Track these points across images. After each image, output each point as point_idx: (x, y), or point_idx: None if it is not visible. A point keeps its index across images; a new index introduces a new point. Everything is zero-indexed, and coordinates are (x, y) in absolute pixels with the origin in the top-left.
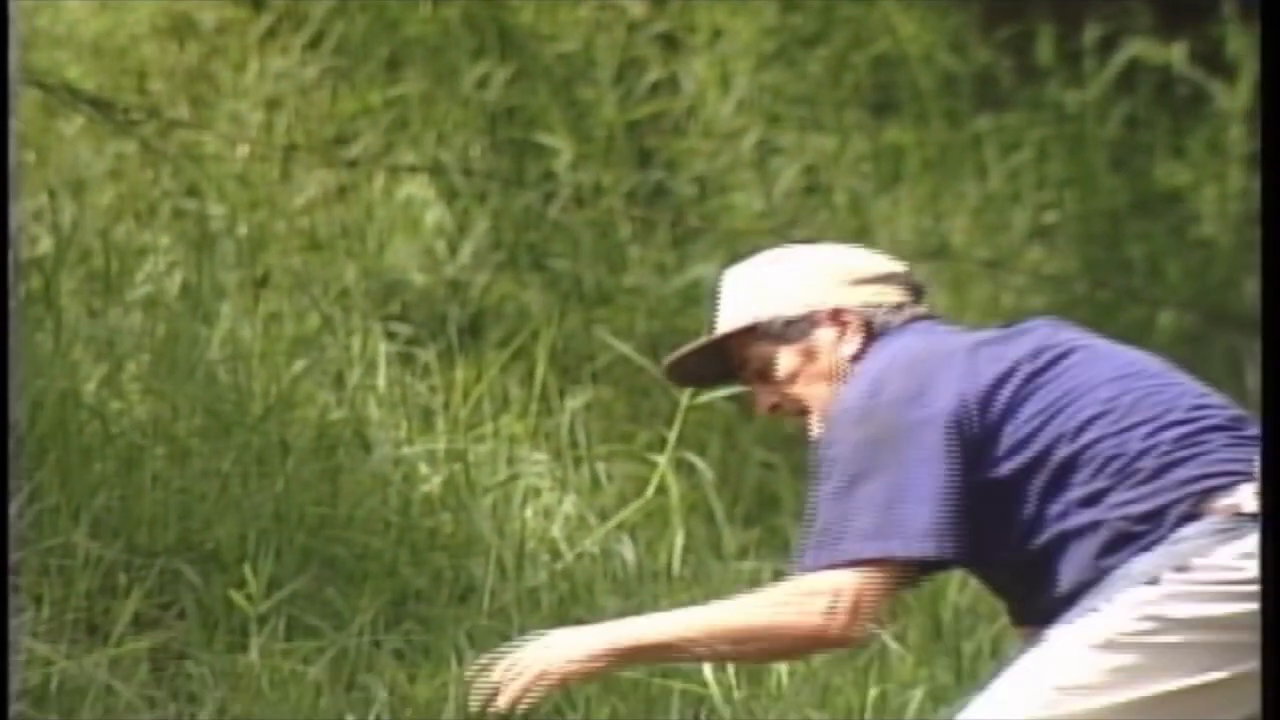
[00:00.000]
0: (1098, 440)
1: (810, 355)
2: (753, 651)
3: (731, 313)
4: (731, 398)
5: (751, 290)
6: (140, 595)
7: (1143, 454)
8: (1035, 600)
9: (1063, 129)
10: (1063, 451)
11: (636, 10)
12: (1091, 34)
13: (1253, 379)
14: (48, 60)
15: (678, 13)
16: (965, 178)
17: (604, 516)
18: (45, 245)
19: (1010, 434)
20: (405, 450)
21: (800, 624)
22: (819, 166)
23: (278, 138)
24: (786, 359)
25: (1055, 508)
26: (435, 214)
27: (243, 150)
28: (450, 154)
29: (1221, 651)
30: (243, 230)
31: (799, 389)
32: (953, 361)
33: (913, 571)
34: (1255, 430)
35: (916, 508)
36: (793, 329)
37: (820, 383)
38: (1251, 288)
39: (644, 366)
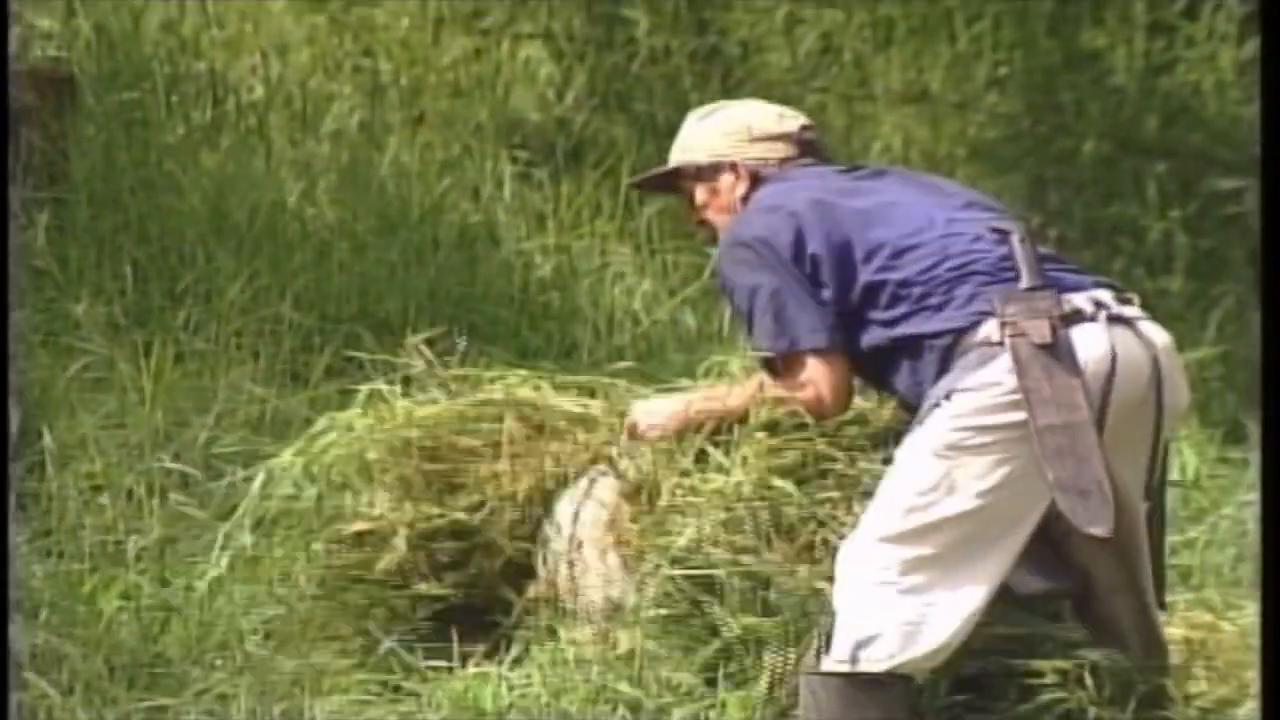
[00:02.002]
0: (893, 277)
1: (715, 193)
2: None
3: (674, 152)
4: None
5: (684, 138)
6: (330, 352)
7: (924, 290)
8: (905, 402)
9: (1012, 5)
10: (867, 281)
11: None
12: None
13: (1152, 191)
14: None
15: None
16: (940, 41)
17: (672, 293)
18: (259, 93)
19: (833, 267)
20: (524, 245)
21: (803, 399)
22: (831, 33)
23: (430, 12)
24: (700, 194)
25: (870, 330)
26: (546, 69)
27: (404, 21)
28: (558, 24)
29: (1009, 446)
30: (404, 82)
31: (709, 216)
32: (799, 204)
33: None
34: (1009, 270)
35: (798, 314)
36: (704, 172)
37: (722, 214)
38: (1151, 123)
39: None
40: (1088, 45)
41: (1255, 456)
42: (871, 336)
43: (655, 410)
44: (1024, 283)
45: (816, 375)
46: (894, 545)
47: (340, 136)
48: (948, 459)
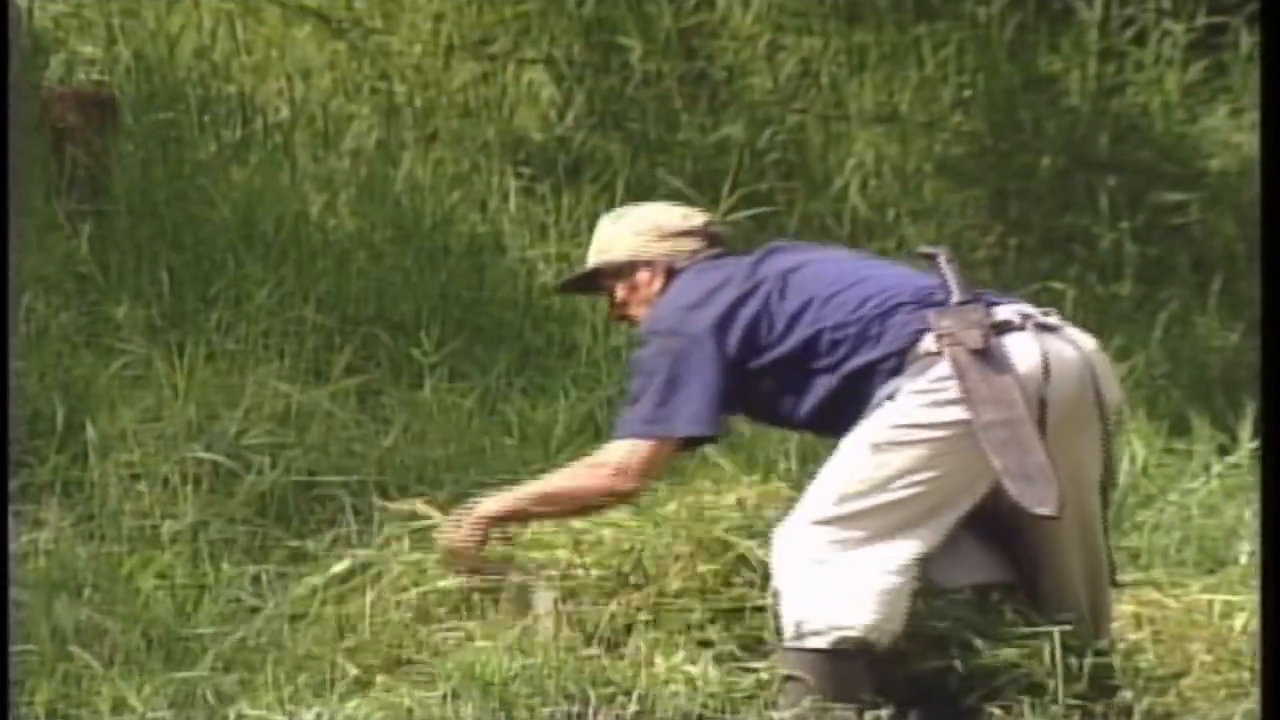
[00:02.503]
0: (826, 324)
1: (633, 289)
2: (569, 510)
3: (591, 254)
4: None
5: (600, 240)
6: (350, 350)
7: (860, 329)
8: (839, 430)
9: (975, 33)
10: (804, 335)
11: None
12: None
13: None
14: None
15: None
16: (909, 66)
17: None
18: (284, 113)
19: (765, 334)
20: (528, 253)
21: (594, 485)
22: (810, 59)
23: (442, 40)
24: (620, 291)
25: (820, 375)
26: (548, 92)
27: (418, 48)
28: (559, 51)
29: (943, 443)
30: (417, 103)
31: (630, 310)
32: (715, 289)
33: (684, 443)
34: (929, 293)
35: (685, 401)
36: (622, 270)
37: (642, 307)
38: (1103, 141)
39: (691, 196)
40: (1044, 69)
41: (1202, 449)
42: (822, 383)
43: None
44: (955, 298)
45: (638, 458)
46: (826, 527)
47: (359, 153)
48: (885, 451)
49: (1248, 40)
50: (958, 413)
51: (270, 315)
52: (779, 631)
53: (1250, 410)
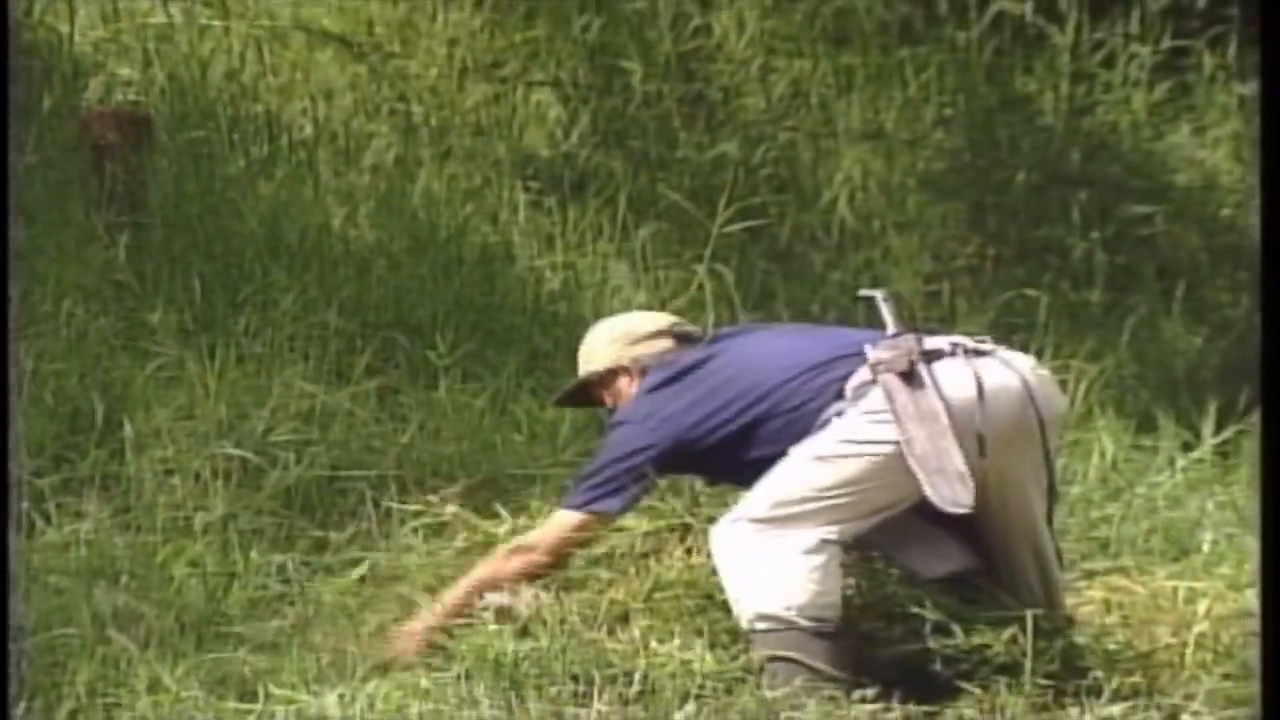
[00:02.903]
0: (773, 398)
1: (617, 394)
2: (492, 589)
3: (580, 369)
4: (747, 229)
5: (584, 353)
6: (369, 353)
7: (804, 386)
8: None
9: (955, 56)
10: (752, 409)
11: None
12: None
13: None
14: (309, 14)
15: None
16: (894, 87)
17: (663, 304)
18: (308, 131)
19: (716, 414)
20: (536, 262)
21: (507, 567)
22: (800, 80)
23: (456, 63)
24: (607, 397)
25: (764, 444)
26: (555, 112)
27: (434, 71)
28: (565, 73)
29: (875, 460)
30: (433, 122)
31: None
32: (670, 383)
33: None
34: (861, 347)
35: (624, 490)
36: (605, 379)
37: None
38: (1075, 157)
39: (689, 209)
40: (1020, 90)
41: (1167, 445)
42: (770, 448)
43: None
44: (889, 331)
45: (574, 535)
46: (757, 524)
47: (378, 169)
48: (829, 462)
49: (1210, 62)
50: (893, 432)
51: (295, 320)
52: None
53: (1212, 409)
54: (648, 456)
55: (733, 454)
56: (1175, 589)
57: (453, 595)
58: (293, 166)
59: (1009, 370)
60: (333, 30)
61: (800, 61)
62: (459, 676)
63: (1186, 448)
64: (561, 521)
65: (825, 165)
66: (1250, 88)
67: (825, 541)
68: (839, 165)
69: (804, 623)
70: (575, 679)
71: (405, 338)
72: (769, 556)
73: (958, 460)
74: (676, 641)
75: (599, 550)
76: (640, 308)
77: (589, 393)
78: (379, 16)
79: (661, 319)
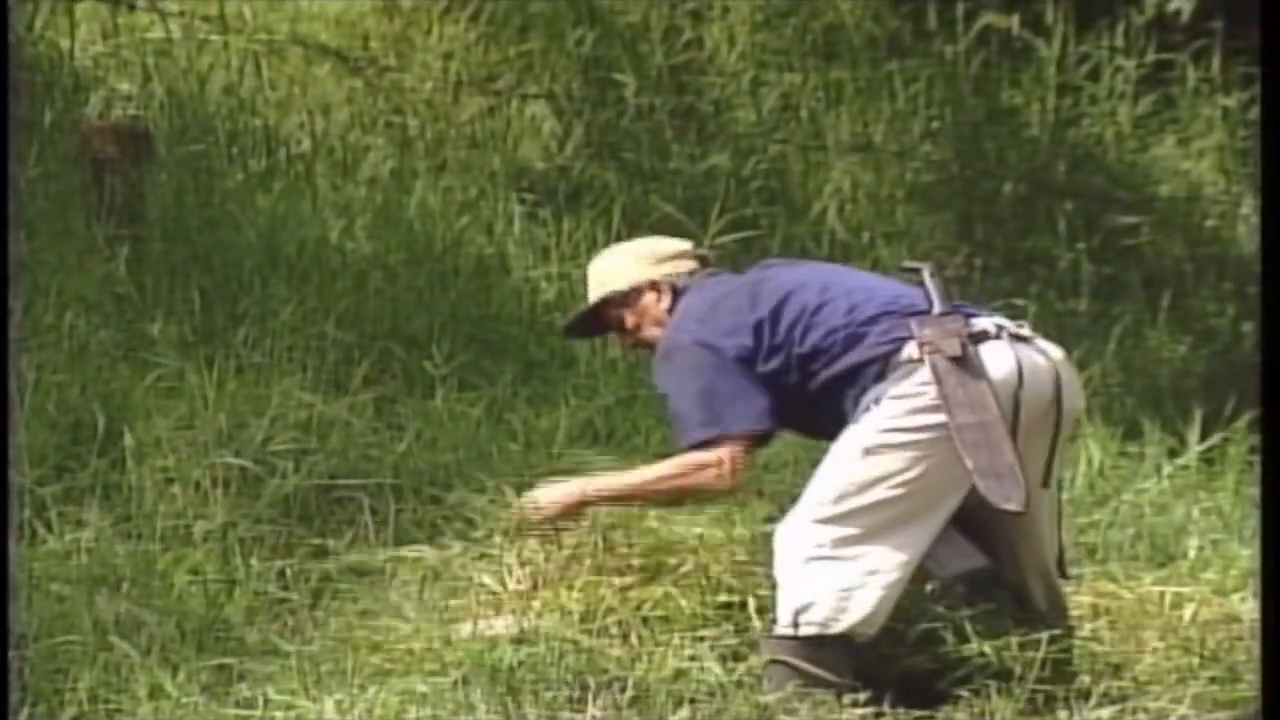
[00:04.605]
0: (818, 331)
1: (643, 312)
2: (666, 500)
3: (592, 291)
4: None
5: (599, 275)
6: (367, 364)
7: (848, 334)
8: (827, 431)
9: (943, 69)
10: (799, 341)
11: None
12: (960, 9)
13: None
14: (306, 29)
15: None
16: (882, 100)
17: None
18: (306, 145)
19: (768, 341)
20: (531, 273)
21: (701, 482)
22: (790, 93)
23: (451, 77)
24: (629, 318)
25: (812, 379)
26: (549, 125)
27: (429, 84)
28: (559, 86)
29: (927, 445)
30: (428, 135)
31: (643, 334)
32: (720, 302)
33: (752, 442)
34: (908, 301)
35: (729, 404)
36: (627, 298)
37: (653, 328)
38: (1060, 168)
39: (681, 221)
40: (1007, 103)
41: (1153, 452)
42: (809, 385)
43: (548, 493)
44: (936, 310)
45: (728, 458)
46: (825, 525)
47: (375, 182)
48: (875, 454)
49: (1194, 75)
50: (938, 417)
51: (293, 331)
52: (775, 620)
53: (1198, 416)
54: (731, 368)
55: (772, 383)
56: (1162, 594)
57: (626, 482)
58: (290, 179)
59: (1045, 359)
60: (329, 45)
61: (790, 75)
62: (456, 683)
63: (1172, 454)
64: (720, 451)
65: (815, 177)
66: (1234, 99)
67: (902, 565)
68: (829, 177)
69: (840, 635)
70: (569, 684)
71: (402, 348)
72: (843, 568)
73: (1009, 454)
74: (671, 648)
75: (598, 558)
76: None
77: (601, 317)
78: (375, 31)
79: (682, 241)
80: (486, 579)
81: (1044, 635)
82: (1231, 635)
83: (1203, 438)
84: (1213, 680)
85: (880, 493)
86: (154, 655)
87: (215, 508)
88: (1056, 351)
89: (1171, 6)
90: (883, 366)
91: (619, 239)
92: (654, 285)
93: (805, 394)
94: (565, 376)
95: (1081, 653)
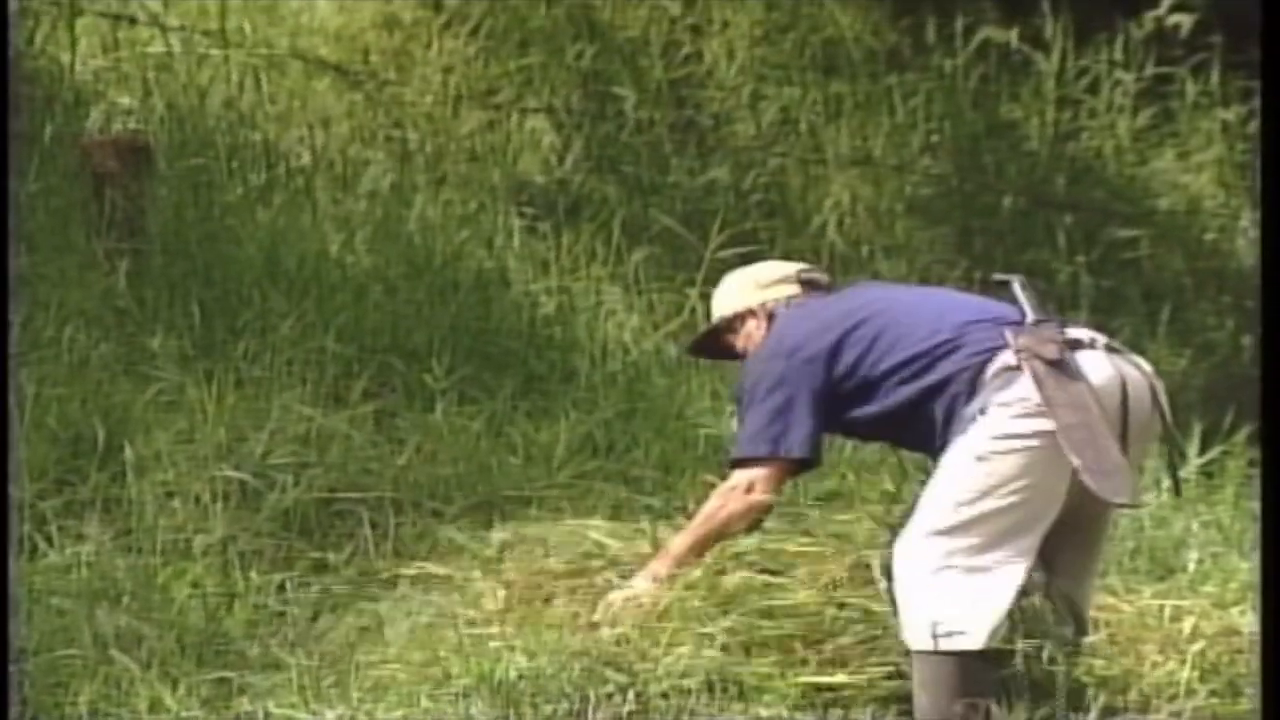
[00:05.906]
0: (907, 346)
1: (748, 338)
2: (718, 539)
3: (713, 313)
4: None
5: (715, 300)
6: (367, 377)
7: (935, 345)
8: (925, 443)
9: (942, 83)
10: (888, 357)
11: (674, 9)
12: (960, 23)
13: (1060, 238)
14: (306, 43)
15: (701, 10)
16: (881, 113)
17: (656, 327)
18: (306, 159)
19: (857, 359)
20: (531, 287)
21: (733, 511)
22: (789, 107)
23: (451, 91)
24: (738, 342)
25: (896, 392)
26: (549, 138)
27: (429, 98)
28: (558, 100)
29: (1035, 451)
30: (428, 149)
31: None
32: (811, 324)
33: (797, 465)
34: (998, 313)
35: (794, 425)
36: (734, 323)
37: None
38: (1060, 182)
39: (681, 234)
40: (1006, 117)
41: (1152, 465)
42: (898, 396)
43: (640, 584)
44: (1029, 319)
45: (759, 479)
46: (946, 537)
47: (375, 196)
48: (988, 461)
49: (1193, 88)
50: (1044, 423)
51: (293, 345)
52: (906, 639)
53: (1197, 430)
54: (808, 390)
55: (862, 396)
56: (1162, 607)
57: (682, 545)
58: (290, 193)
59: (1139, 372)
60: (329, 59)
61: (790, 89)
62: (457, 695)
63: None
64: (757, 470)
65: (814, 191)
66: (1233, 113)
67: (1022, 580)
68: (828, 191)
69: (974, 649)
70: (570, 696)
71: (402, 362)
72: (971, 583)
73: (1115, 450)
74: (671, 658)
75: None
76: (634, 330)
77: (720, 341)
78: (375, 45)
79: (789, 266)
80: (485, 595)
81: (1082, 642)
82: (1231, 648)
83: (1202, 451)
84: (1212, 694)
85: (995, 500)
86: (154, 669)
87: (215, 521)
88: (1147, 365)
89: (1171, 20)
90: (975, 376)
91: (618, 253)
92: (755, 311)
93: (892, 407)
94: (565, 390)
95: (1081, 666)
